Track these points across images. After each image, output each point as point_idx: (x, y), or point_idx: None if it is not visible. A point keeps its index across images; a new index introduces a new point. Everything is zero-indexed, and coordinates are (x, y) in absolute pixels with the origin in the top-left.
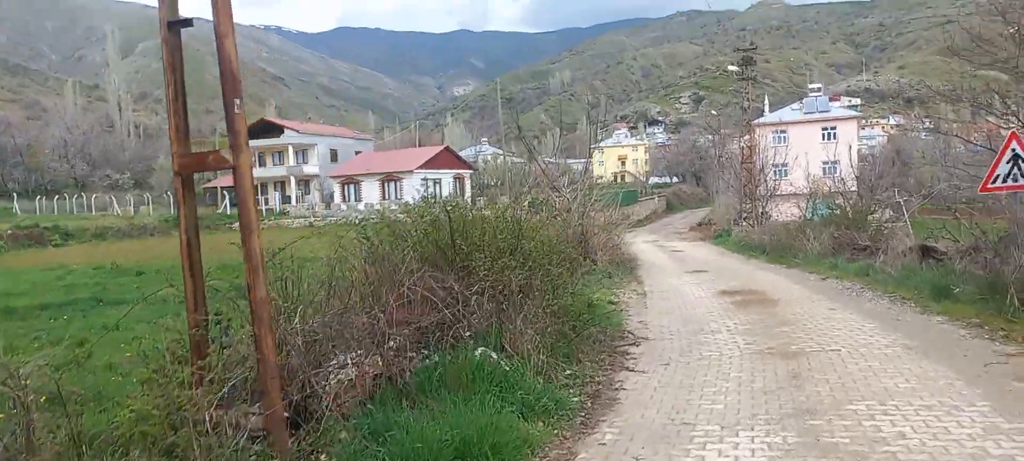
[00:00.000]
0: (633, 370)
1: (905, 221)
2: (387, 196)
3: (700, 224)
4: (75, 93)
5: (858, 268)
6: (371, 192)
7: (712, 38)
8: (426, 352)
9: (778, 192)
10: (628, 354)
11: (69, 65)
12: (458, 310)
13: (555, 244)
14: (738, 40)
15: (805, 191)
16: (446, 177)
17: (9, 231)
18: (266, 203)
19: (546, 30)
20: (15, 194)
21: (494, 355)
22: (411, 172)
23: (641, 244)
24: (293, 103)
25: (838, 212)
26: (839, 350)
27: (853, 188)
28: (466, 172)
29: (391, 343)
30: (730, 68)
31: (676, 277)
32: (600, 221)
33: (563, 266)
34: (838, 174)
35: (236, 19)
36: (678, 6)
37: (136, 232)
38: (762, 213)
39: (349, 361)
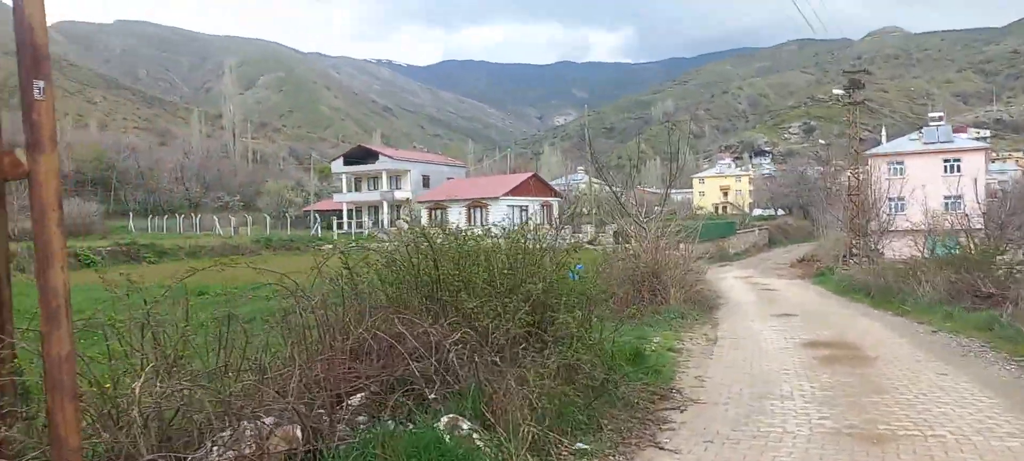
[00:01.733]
0: (663, 448)
1: None
2: (473, 222)
3: (802, 260)
4: (201, 122)
5: (980, 320)
6: (457, 218)
7: (825, 66)
8: (384, 419)
9: (892, 228)
10: (667, 423)
11: (198, 96)
12: (430, 364)
13: (574, 283)
14: (852, 68)
15: (923, 228)
16: (533, 204)
17: (108, 248)
18: (359, 226)
19: (649, 61)
20: (131, 213)
21: (465, 426)
22: (497, 199)
23: (731, 280)
24: (400, 132)
25: (959, 251)
26: (945, 437)
27: (978, 225)
28: (554, 200)
29: (340, 409)
30: (836, 92)
31: (759, 321)
32: (678, 255)
33: (591, 309)
34: (962, 210)
35: (351, 54)
36: (788, 35)
37: (229, 251)
38: (873, 250)
39: (246, 434)
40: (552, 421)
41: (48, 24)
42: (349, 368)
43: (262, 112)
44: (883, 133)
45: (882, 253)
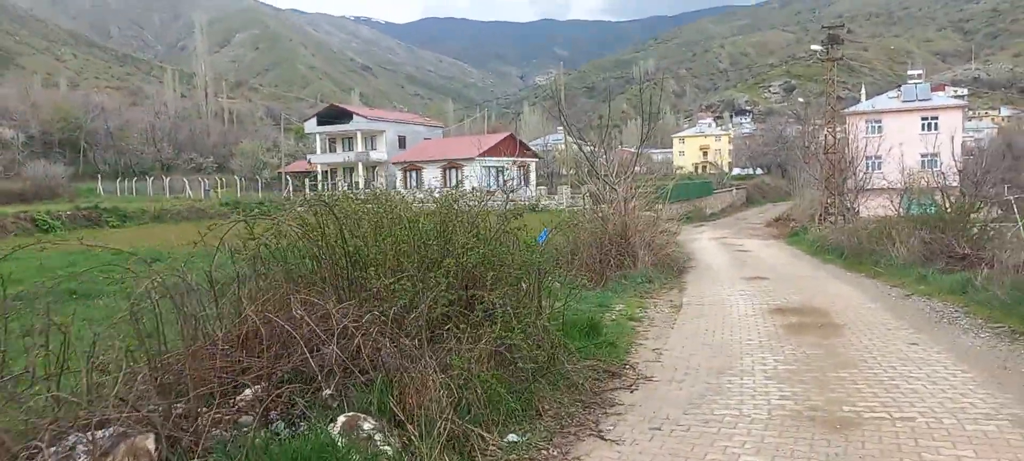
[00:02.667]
0: (605, 437)
1: (1019, 226)
2: (447, 183)
3: (777, 220)
4: (175, 81)
5: (954, 283)
6: (432, 179)
7: (806, 25)
8: (273, 420)
9: (868, 186)
10: (614, 405)
11: (173, 54)
12: (332, 352)
13: (516, 252)
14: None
15: (899, 186)
16: (509, 165)
17: (68, 213)
18: (333, 188)
19: (631, 18)
20: (99, 175)
21: (367, 426)
22: (472, 159)
23: (705, 241)
24: (379, 92)
25: (934, 210)
26: (915, 420)
27: (954, 183)
28: (531, 160)
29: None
30: (813, 48)
31: (728, 285)
32: (648, 216)
33: (533, 280)
34: (938, 168)
35: (329, 11)
36: None
37: (194, 215)
38: (849, 209)
39: (77, 450)
40: (479, 412)
41: None
42: (236, 359)
43: (238, 70)
44: (863, 91)
45: (857, 212)
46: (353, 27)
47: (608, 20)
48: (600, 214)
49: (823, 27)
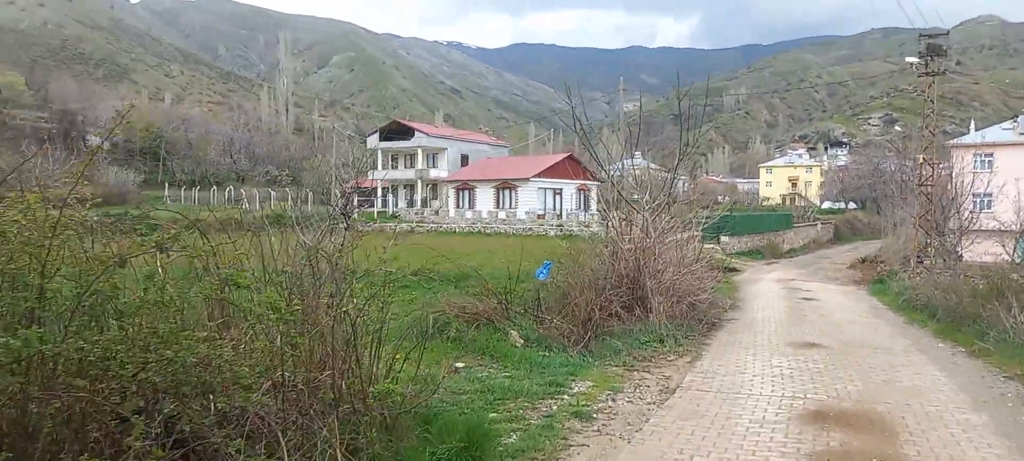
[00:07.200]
0: None
1: None
2: (501, 204)
3: (864, 261)
4: (270, 98)
5: None
6: (485, 199)
7: (911, 55)
8: None
9: (974, 227)
10: None
11: (273, 74)
12: None
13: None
14: (929, 31)
15: (1014, 228)
16: (568, 188)
17: (96, 220)
18: (384, 205)
19: (723, 47)
20: (166, 184)
21: None
22: (527, 180)
23: (768, 282)
24: (466, 114)
25: None
26: None
27: None
28: (593, 184)
29: None
30: (909, 60)
31: (763, 357)
32: (674, 253)
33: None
34: None
35: (423, 36)
36: (872, 23)
37: (232, 227)
38: (949, 254)
39: None
40: None
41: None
42: None
43: (333, 90)
44: (972, 126)
45: (960, 256)
46: (445, 52)
47: (699, 48)
48: (608, 247)
49: (921, 36)
